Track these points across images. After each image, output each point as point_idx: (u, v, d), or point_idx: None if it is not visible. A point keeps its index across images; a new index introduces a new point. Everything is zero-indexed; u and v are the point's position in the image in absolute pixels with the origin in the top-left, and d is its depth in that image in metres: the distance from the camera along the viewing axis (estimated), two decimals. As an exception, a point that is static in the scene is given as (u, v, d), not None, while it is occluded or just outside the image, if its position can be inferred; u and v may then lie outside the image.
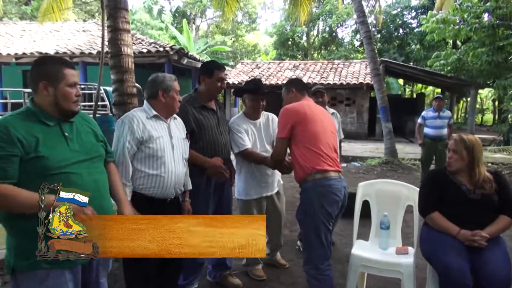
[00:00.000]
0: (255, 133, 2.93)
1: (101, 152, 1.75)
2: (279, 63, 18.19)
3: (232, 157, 2.89)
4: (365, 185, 2.82)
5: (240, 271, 3.11)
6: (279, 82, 14.45)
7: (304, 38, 27.57)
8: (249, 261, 3.10)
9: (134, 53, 3.79)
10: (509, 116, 12.29)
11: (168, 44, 12.05)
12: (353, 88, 14.47)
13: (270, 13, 57.36)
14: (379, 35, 22.39)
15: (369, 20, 12.51)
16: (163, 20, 25.72)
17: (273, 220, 3.00)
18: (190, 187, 2.43)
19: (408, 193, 2.71)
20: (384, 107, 9.09)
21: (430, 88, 24.29)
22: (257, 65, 18.26)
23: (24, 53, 11.06)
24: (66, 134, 1.60)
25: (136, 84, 3.71)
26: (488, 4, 10.98)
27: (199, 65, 12.38)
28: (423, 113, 6.17)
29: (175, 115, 2.34)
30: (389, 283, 2.88)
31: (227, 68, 16.29)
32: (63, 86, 1.57)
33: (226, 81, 2.69)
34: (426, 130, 6.04)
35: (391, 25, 22.10)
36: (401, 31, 22.43)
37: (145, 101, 2.28)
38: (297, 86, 2.62)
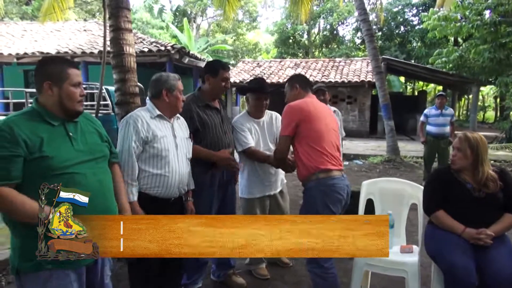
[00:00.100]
0: (259, 132, 2.93)
1: (105, 152, 1.74)
2: (280, 62, 18.10)
3: (236, 156, 2.88)
4: (369, 184, 2.81)
5: (244, 270, 3.11)
6: (281, 81, 14.39)
7: (305, 36, 27.52)
8: (252, 260, 3.10)
9: (135, 52, 3.78)
10: (511, 113, 12.26)
11: (169, 43, 12.02)
12: (355, 86, 14.42)
13: (270, 12, 57.14)
14: (380, 33, 22.30)
15: (370, 18, 12.46)
16: (163, 19, 25.67)
17: (276, 219, 2.99)
18: (193, 186, 2.43)
19: (412, 191, 2.70)
20: (386, 105, 9.08)
21: (432, 85, 24.25)
22: (258, 63, 18.19)
23: (25, 53, 11.06)
24: (71, 134, 1.59)
25: (138, 83, 3.70)
26: (489, 1, 10.96)
27: (200, 64, 12.37)
28: (426, 111, 6.16)
29: (178, 115, 2.34)
30: (393, 282, 2.87)
31: (228, 66, 16.23)
32: (67, 86, 1.58)
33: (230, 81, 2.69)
34: (429, 127, 6.03)
35: (392, 23, 22.04)
36: (402, 28, 22.36)
37: (148, 101, 2.27)
38: (300, 82, 2.60)
